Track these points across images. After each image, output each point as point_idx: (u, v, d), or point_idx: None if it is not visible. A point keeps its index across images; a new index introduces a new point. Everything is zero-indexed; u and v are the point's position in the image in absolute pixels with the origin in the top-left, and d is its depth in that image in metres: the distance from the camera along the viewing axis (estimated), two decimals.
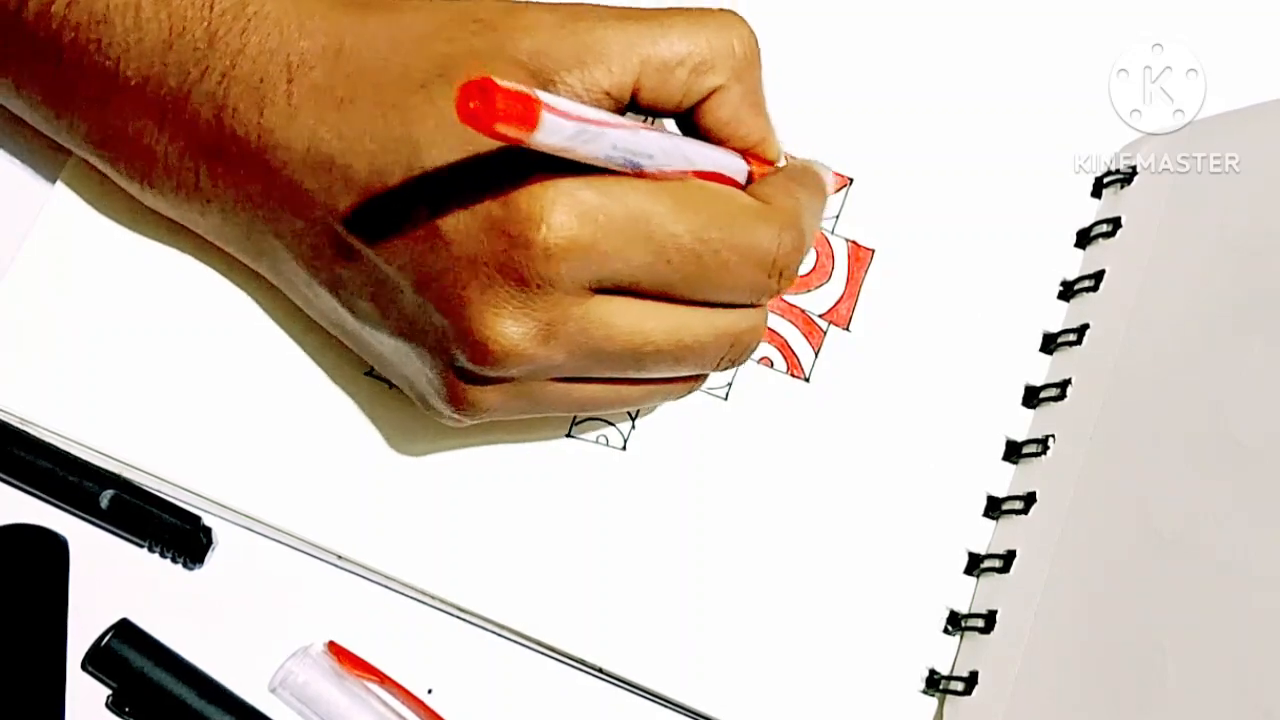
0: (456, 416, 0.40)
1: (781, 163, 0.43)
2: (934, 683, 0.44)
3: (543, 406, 0.41)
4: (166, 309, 0.45)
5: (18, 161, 0.47)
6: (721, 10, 0.40)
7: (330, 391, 0.45)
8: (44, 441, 0.44)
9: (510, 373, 0.38)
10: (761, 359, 0.47)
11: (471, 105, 0.30)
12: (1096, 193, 0.49)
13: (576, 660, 0.44)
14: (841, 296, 0.47)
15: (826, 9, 0.50)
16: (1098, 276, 0.47)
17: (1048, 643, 0.42)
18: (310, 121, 0.38)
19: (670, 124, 0.42)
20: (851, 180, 0.48)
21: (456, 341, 0.38)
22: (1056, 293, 0.47)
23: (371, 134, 0.38)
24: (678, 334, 0.39)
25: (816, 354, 0.47)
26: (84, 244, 0.46)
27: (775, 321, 0.47)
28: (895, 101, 0.49)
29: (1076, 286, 0.47)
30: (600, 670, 0.44)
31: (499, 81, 0.30)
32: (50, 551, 0.44)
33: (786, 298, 0.47)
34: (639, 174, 0.37)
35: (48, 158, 0.46)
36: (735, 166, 0.40)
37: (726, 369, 0.42)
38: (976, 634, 0.44)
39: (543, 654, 0.45)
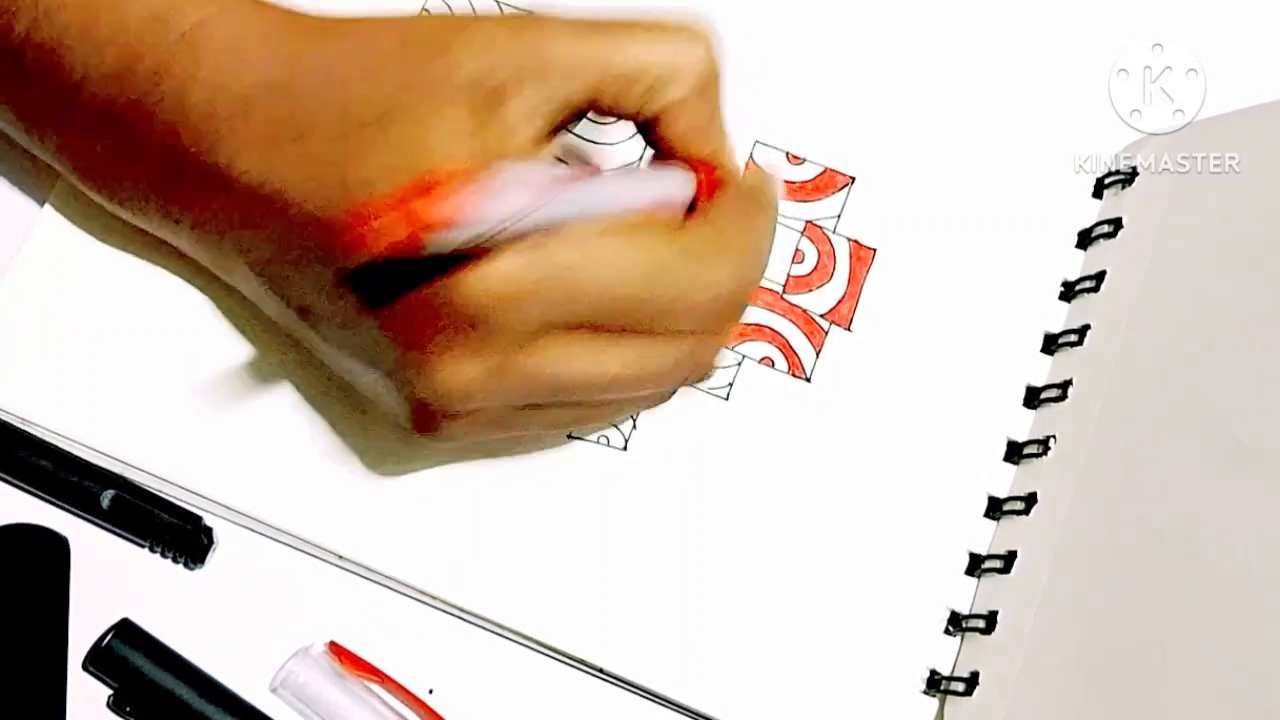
0: (424, 440, 0.41)
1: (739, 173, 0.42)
2: (935, 683, 0.44)
3: (511, 429, 0.41)
4: (167, 309, 0.45)
5: (16, 163, 0.47)
6: (684, 25, 0.39)
7: (330, 391, 0.45)
8: (44, 441, 0.44)
9: (468, 408, 0.38)
10: (763, 359, 0.47)
11: (351, 234, 0.31)
12: (1097, 193, 0.49)
13: (576, 660, 0.44)
14: (843, 296, 0.47)
15: (828, 8, 0.50)
16: (1099, 277, 0.47)
17: (1048, 643, 0.42)
18: (259, 158, 0.38)
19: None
20: (853, 180, 0.48)
21: (414, 379, 0.38)
22: (1058, 293, 0.47)
23: (316, 174, 0.37)
24: (635, 365, 0.39)
25: (818, 354, 0.47)
26: (85, 243, 0.46)
27: (776, 321, 0.47)
28: (897, 101, 0.49)
29: (1077, 287, 0.47)
30: (600, 670, 0.44)
31: (376, 225, 0.31)
32: (50, 551, 0.44)
33: (788, 297, 0.47)
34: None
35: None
36: (682, 191, 0.40)
37: (692, 385, 0.43)
38: (977, 634, 0.44)
39: (543, 654, 0.45)
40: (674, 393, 0.43)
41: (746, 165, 0.47)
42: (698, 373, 0.41)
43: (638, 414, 0.46)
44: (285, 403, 0.45)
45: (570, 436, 0.45)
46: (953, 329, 0.47)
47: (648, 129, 0.40)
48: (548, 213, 0.35)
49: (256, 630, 0.44)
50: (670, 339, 0.39)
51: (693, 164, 0.40)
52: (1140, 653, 0.40)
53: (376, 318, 0.37)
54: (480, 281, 0.35)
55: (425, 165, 0.36)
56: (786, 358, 0.47)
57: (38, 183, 0.47)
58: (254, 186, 0.38)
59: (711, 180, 0.40)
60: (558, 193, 0.35)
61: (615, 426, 0.46)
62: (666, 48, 0.38)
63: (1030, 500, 0.44)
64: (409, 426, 0.40)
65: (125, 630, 0.43)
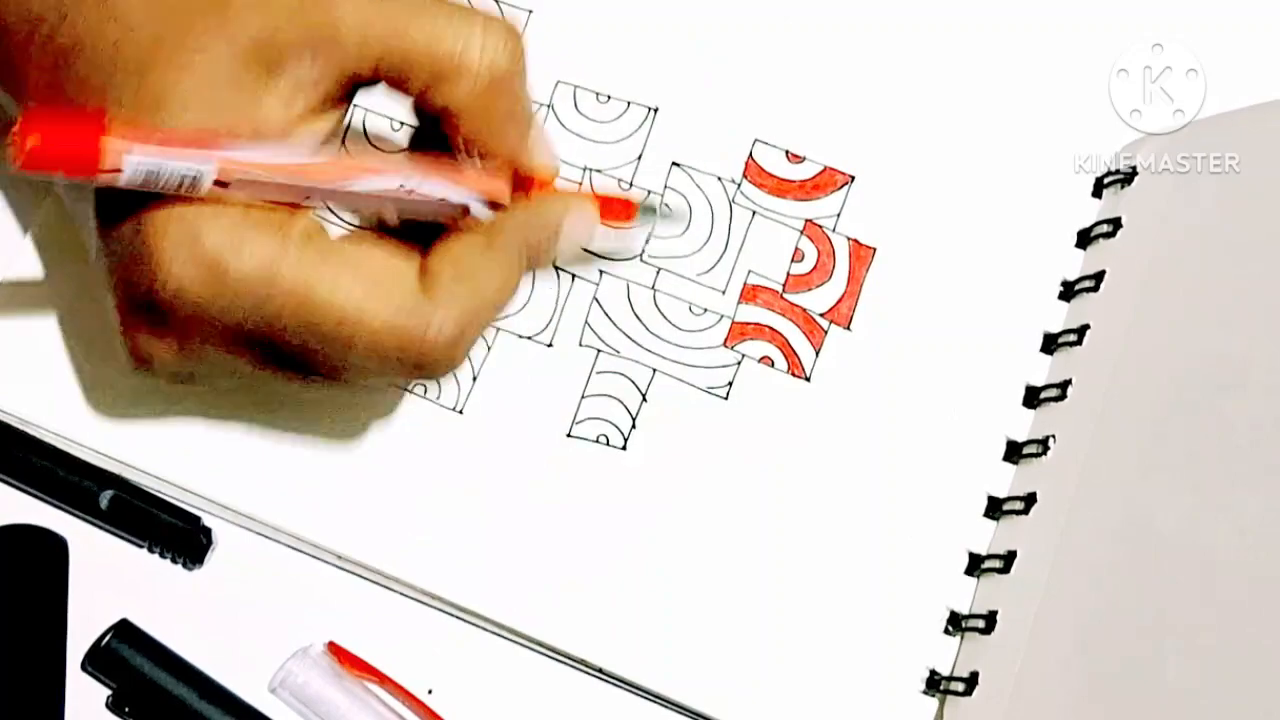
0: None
1: (553, 175, 0.42)
2: (934, 683, 0.44)
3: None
4: None
5: None
6: (489, 17, 0.38)
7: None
8: (44, 441, 0.44)
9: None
10: (762, 358, 0.47)
11: (13, 145, 0.31)
12: (1097, 193, 0.49)
13: (576, 660, 0.44)
14: (843, 295, 0.47)
15: (828, 8, 0.50)
16: (1098, 277, 0.46)
17: (1048, 643, 0.42)
18: (43, 80, 0.38)
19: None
20: (853, 178, 0.48)
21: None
22: (1057, 293, 0.47)
23: (84, 105, 0.37)
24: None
25: (817, 353, 0.47)
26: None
27: (776, 320, 0.47)
28: (897, 100, 0.49)
29: (1077, 287, 0.47)
30: (600, 670, 0.44)
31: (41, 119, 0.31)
32: (50, 551, 0.44)
33: (788, 296, 0.47)
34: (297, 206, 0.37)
35: None
36: (457, 199, 0.39)
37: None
38: (977, 634, 0.44)
39: (543, 654, 0.45)
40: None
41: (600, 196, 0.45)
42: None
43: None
44: (285, 402, 0.45)
45: (569, 436, 0.45)
46: (952, 328, 0.47)
47: (435, 121, 0.39)
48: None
49: (255, 630, 0.44)
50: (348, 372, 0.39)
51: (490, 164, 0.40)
52: (1139, 652, 0.40)
53: (100, 269, 0.38)
54: (157, 283, 0.36)
55: (179, 118, 0.35)
56: (786, 357, 0.47)
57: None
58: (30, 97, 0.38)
59: (514, 183, 0.40)
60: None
61: (615, 426, 0.46)
62: (450, 44, 0.37)
63: (1030, 500, 0.44)
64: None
65: (124, 630, 0.43)
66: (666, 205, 0.47)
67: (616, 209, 0.44)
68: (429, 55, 0.37)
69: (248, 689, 0.43)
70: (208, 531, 0.44)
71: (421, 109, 0.39)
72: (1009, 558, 0.44)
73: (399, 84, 0.38)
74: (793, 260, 0.47)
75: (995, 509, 0.45)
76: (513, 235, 0.40)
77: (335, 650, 0.44)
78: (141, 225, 0.36)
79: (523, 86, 0.39)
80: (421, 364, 0.38)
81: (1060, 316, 0.47)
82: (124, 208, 0.36)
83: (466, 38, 0.37)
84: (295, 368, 0.39)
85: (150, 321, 0.37)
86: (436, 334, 0.37)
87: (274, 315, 0.36)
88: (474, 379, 0.46)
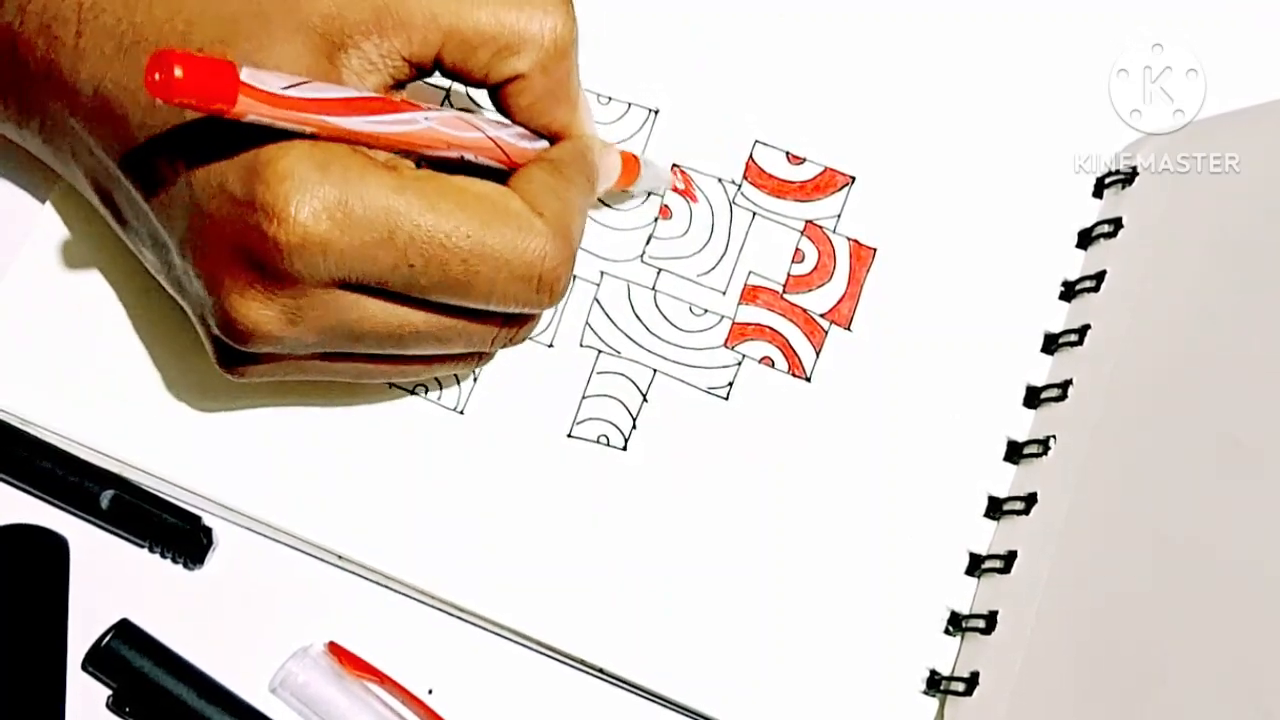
0: (229, 379, 0.40)
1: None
2: (935, 683, 0.44)
3: (315, 376, 0.41)
4: (166, 309, 0.45)
5: (16, 162, 0.47)
6: None
7: (330, 390, 0.45)
8: (44, 441, 0.44)
9: (262, 350, 0.38)
10: (763, 358, 0.47)
11: (156, 77, 0.30)
12: (1097, 193, 0.49)
13: (576, 660, 0.44)
14: (843, 296, 0.47)
15: (829, 8, 0.50)
16: (1099, 277, 0.46)
17: (1048, 643, 0.42)
18: (96, 67, 0.38)
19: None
20: (853, 179, 0.48)
21: (211, 313, 0.38)
22: (1058, 293, 0.47)
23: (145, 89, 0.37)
24: (439, 322, 0.38)
25: (818, 353, 0.47)
26: (84, 244, 0.46)
27: (776, 321, 0.47)
28: (897, 101, 0.49)
29: (1078, 287, 0.47)
30: (600, 670, 0.44)
31: (179, 53, 0.30)
32: (50, 551, 0.44)
33: (788, 297, 0.47)
34: (393, 149, 0.37)
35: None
36: (518, 154, 0.40)
37: (505, 348, 0.42)
38: (977, 634, 0.44)
39: (543, 654, 0.45)
40: (494, 354, 0.43)
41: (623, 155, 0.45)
42: (502, 338, 0.40)
43: (465, 375, 0.46)
44: (285, 402, 0.45)
45: (569, 436, 0.46)
46: (953, 329, 0.47)
47: (496, 99, 0.40)
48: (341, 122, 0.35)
49: (256, 630, 0.44)
50: (476, 304, 0.38)
51: (546, 135, 0.41)
52: (1140, 652, 0.40)
53: (182, 242, 0.37)
54: (278, 229, 0.35)
55: None
56: (786, 357, 0.47)
57: (38, 183, 0.47)
58: (88, 96, 0.38)
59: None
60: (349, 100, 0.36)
61: (615, 426, 0.46)
62: (516, 15, 0.38)
63: (1030, 500, 0.44)
64: (213, 360, 0.40)
65: (124, 630, 0.43)
66: (656, 166, 0.48)
67: (628, 163, 0.45)
68: (495, 29, 0.38)
69: (248, 689, 0.43)
70: (208, 531, 0.44)
71: (481, 84, 0.39)
72: (1009, 558, 0.44)
73: (462, 64, 0.39)
74: (793, 261, 0.47)
75: (995, 509, 0.45)
76: (574, 158, 0.41)
77: (335, 650, 0.44)
78: (257, 170, 0.35)
79: (576, 56, 0.40)
80: (543, 279, 0.38)
81: (1061, 316, 0.47)
82: (223, 155, 0.36)
83: (529, 14, 0.38)
84: (405, 316, 0.38)
85: (263, 280, 0.36)
86: (553, 246, 0.38)
87: (400, 250, 0.36)
88: (474, 379, 0.46)
